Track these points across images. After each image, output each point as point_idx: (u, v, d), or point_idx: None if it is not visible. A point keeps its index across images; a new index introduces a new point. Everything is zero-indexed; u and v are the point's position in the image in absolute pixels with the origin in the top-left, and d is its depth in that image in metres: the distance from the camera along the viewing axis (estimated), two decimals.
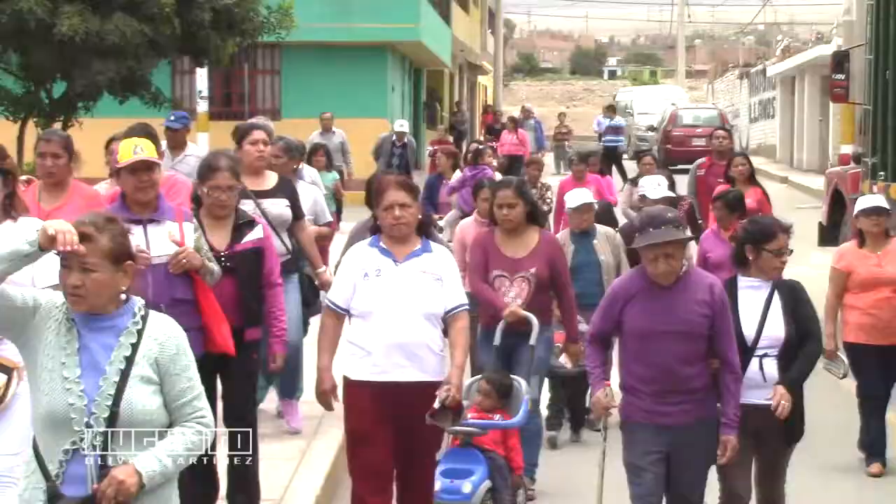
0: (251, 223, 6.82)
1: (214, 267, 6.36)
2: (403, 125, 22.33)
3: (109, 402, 4.00)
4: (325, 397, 6.25)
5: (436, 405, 6.03)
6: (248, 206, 7.48)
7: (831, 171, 15.39)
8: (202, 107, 23.44)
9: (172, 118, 11.12)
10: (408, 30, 28.33)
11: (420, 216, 6.24)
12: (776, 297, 6.15)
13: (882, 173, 12.34)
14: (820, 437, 8.03)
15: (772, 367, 6.06)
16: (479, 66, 50.81)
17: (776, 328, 6.10)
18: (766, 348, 6.07)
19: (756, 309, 6.12)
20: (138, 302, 4.15)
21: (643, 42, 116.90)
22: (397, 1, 28.18)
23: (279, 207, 8.24)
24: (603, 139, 34.06)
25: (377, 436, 6.06)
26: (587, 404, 9.09)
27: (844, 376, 8.43)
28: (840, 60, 13.95)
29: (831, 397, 9.38)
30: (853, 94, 14.01)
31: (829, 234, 14.43)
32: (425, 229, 6.30)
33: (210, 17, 15.41)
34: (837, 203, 14.25)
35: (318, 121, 20.13)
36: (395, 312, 6.04)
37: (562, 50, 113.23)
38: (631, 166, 27.01)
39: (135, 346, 4.06)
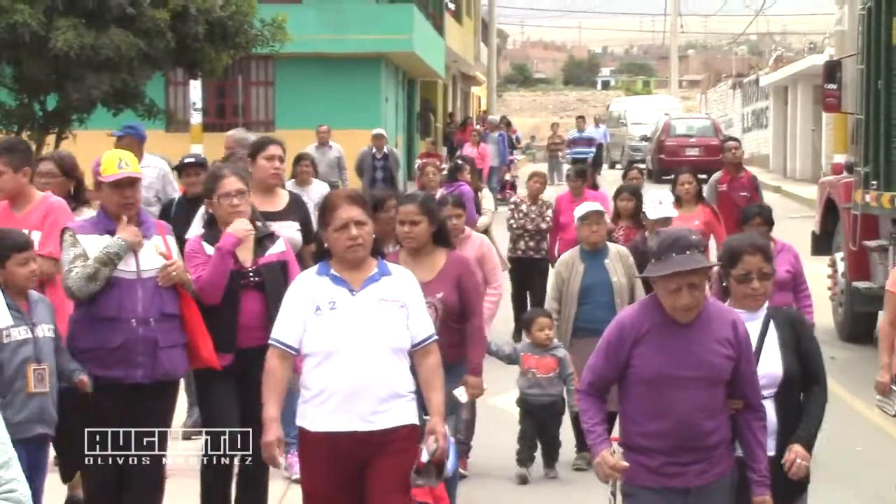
0: (272, 236, 6.69)
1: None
2: (380, 130, 21.23)
3: None
4: (269, 450, 5.39)
5: (423, 459, 5.32)
6: None
7: (824, 181, 15.40)
8: (196, 118, 23.47)
9: (122, 127, 10.70)
10: (401, 41, 28.37)
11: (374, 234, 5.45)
12: (772, 328, 5.29)
13: (874, 182, 12.36)
14: (845, 467, 7.89)
15: (769, 411, 5.20)
16: (472, 76, 50.89)
17: (772, 365, 5.24)
18: (761, 388, 5.18)
19: None
20: None
21: (636, 52, 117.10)
22: (391, 12, 28.25)
23: (290, 231, 7.79)
24: (570, 150, 33.63)
25: (339, 499, 5.31)
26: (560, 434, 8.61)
27: None
28: (832, 70, 13.96)
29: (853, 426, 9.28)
30: (845, 103, 14.01)
31: (823, 244, 14.45)
32: (379, 248, 5.51)
33: (204, 30, 15.42)
34: (830, 212, 14.27)
35: (315, 133, 19.87)
36: (357, 350, 5.22)
37: (555, 60, 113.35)
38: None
39: None
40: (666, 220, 9.30)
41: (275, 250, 6.61)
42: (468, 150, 26.71)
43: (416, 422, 5.37)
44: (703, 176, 12.67)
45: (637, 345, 4.93)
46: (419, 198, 7.03)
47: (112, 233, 6.13)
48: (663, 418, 4.91)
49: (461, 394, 6.91)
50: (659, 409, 4.91)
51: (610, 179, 26.08)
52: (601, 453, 4.96)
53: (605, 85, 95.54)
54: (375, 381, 5.23)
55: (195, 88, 23.08)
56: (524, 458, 8.51)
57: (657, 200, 9.57)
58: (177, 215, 8.49)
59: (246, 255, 6.54)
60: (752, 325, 5.23)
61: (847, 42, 18.12)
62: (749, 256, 5.25)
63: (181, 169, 9.20)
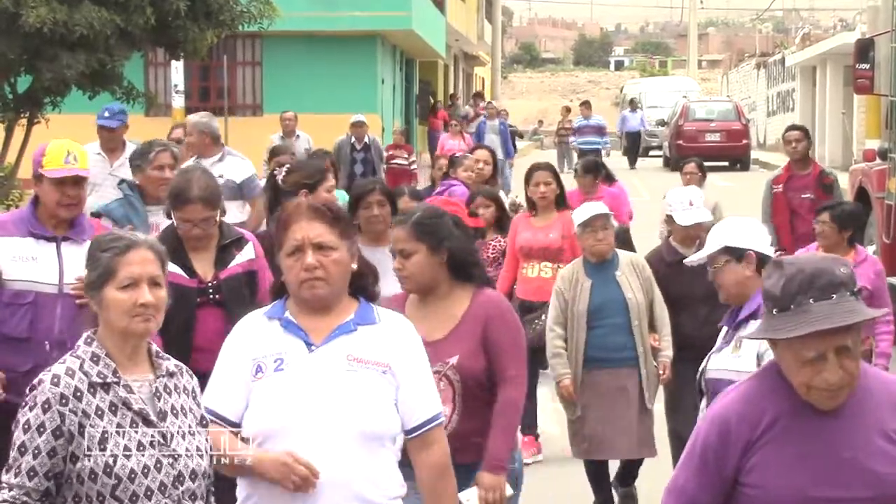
0: (239, 241, 6.17)
1: None
2: (360, 117, 19.52)
3: None
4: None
5: None
6: None
7: (855, 168, 15.43)
8: (178, 102, 23.45)
9: (107, 114, 10.30)
10: (399, 18, 28.36)
11: (355, 265, 4.03)
12: None
13: None
14: None
15: None
16: (475, 56, 50.92)
17: None
18: None
19: None
20: None
21: (652, 30, 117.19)
22: None
23: None
24: (578, 140, 32.70)
25: None
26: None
27: None
28: (864, 48, 13.96)
29: None
30: (878, 84, 14.02)
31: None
32: (363, 285, 4.08)
33: (186, 5, 15.42)
34: (862, 202, 14.28)
35: (279, 121, 18.43)
36: (308, 435, 3.82)
37: (564, 39, 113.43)
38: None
39: None
40: (699, 227, 7.55)
41: (240, 259, 6.13)
42: (450, 143, 23.61)
43: None
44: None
45: (752, 450, 3.35)
46: (414, 216, 5.03)
47: (36, 235, 5.73)
48: None
49: (469, 499, 4.93)
50: None
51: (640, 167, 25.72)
52: None
53: (619, 65, 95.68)
54: (337, 480, 3.80)
55: (177, 70, 23.06)
56: None
57: (686, 201, 7.74)
58: None
59: (206, 268, 6.09)
60: None
61: (881, 18, 18.12)
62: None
63: None
